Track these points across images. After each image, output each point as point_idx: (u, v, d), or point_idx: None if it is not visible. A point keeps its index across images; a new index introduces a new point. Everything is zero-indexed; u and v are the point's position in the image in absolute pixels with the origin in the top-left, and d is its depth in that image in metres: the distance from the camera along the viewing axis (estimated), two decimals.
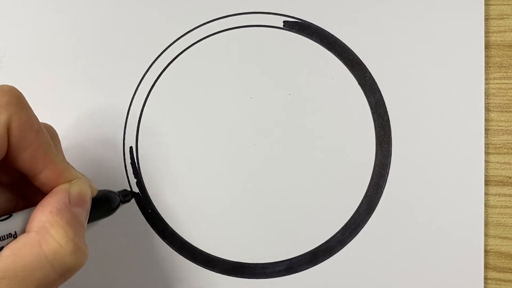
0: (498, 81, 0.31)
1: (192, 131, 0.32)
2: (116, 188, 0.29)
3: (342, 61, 0.31)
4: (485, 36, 0.30)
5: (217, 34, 0.32)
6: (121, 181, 0.32)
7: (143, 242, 0.31)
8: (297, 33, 0.32)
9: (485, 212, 0.30)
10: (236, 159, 0.31)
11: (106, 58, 0.33)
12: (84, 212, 0.24)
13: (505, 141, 0.30)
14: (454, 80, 0.30)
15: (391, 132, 0.31)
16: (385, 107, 0.31)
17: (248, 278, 0.31)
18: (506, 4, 0.31)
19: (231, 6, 0.32)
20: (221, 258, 0.31)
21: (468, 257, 0.30)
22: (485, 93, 0.30)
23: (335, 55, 0.31)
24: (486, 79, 0.30)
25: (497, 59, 0.31)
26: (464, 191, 0.30)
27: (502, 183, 0.30)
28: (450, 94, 0.30)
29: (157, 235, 0.31)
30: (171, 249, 0.31)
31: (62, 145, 0.27)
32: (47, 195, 0.23)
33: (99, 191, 0.26)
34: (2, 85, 0.22)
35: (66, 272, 0.21)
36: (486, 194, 0.30)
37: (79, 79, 0.33)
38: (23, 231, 0.22)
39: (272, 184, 0.31)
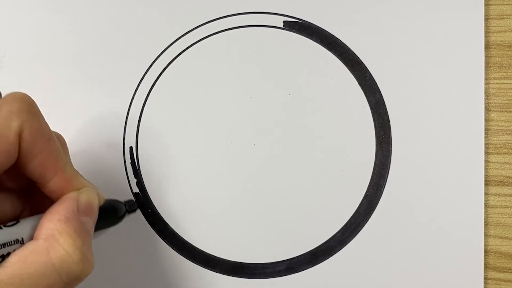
0: (498, 81, 0.31)
1: (192, 131, 0.32)
2: (121, 196, 0.29)
3: (342, 61, 0.31)
4: (485, 36, 0.30)
5: (217, 34, 0.32)
6: (121, 181, 0.32)
7: (143, 242, 0.31)
8: (297, 33, 0.32)
9: (485, 212, 0.30)
10: (236, 159, 0.31)
11: (106, 58, 0.33)
12: (91, 221, 0.24)
13: (505, 141, 0.30)
14: (454, 80, 0.30)
15: (391, 132, 0.31)
16: (385, 107, 0.31)
17: (248, 278, 0.31)
18: (506, 4, 0.31)
19: (231, 6, 0.32)
20: (221, 258, 0.31)
21: (468, 257, 0.30)
22: (485, 93, 0.30)
23: (335, 55, 0.31)
24: (486, 79, 0.30)
25: (497, 59, 0.31)
26: (464, 191, 0.30)
27: (502, 183, 0.30)
28: (450, 94, 0.30)
29: (157, 235, 0.32)
30: (171, 249, 0.31)
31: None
32: (55, 203, 0.23)
33: (106, 200, 0.26)
34: (15, 92, 0.22)
35: (72, 280, 0.21)
36: (486, 194, 0.30)
37: (79, 79, 0.33)
38: (30, 237, 0.22)
39: (272, 184, 0.31)
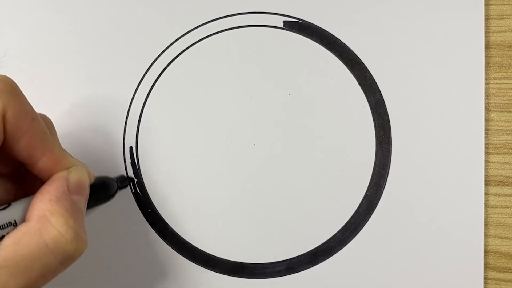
0: (498, 81, 0.31)
1: (192, 131, 0.32)
2: (113, 174, 0.29)
3: (342, 61, 0.31)
4: (485, 36, 0.30)
5: (217, 34, 0.32)
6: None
7: (143, 242, 0.31)
8: (297, 33, 0.32)
9: (485, 212, 0.30)
10: (236, 159, 0.31)
11: (106, 58, 0.33)
12: (83, 199, 0.24)
13: (505, 141, 0.30)
14: (454, 80, 0.30)
15: (391, 132, 0.31)
16: (385, 107, 0.31)
17: (248, 278, 0.31)
18: (506, 4, 0.31)
19: (231, 6, 0.32)
20: (221, 258, 0.31)
21: (468, 257, 0.30)
22: (485, 93, 0.30)
23: (335, 55, 0.31)
24: (486, 79, 0.30)
25: (497, 59, 0.31)
26: (464, 191, 0.30)
27: (502, 183, 0.30)
28: (450, 94, 0.30)
29: (157, 235, 0.32)
30: (171, 249, 0.31)
31: (62, 145, 0.27)
32: (46, 183, 0.23)
33: (97, 178, 0.26)
34: None
35: (66, 259, 0.22)
36: (486, 194, 0.30)
37: (79, 79, 0.33)
38: (23, 219, 0.22)
39: (272, 184, 0.31)
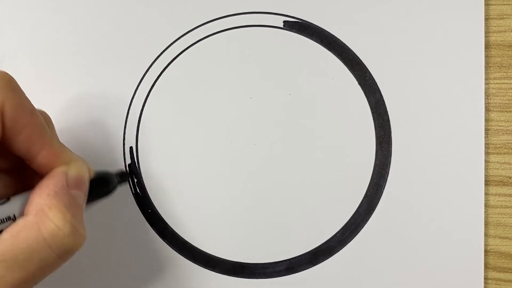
0: (498, 81, 0.31)
1: (192, 131, 0.32)
2: (113, 168, 0.30)
3: (342, 61, 0.31)
4: (485, 36, 0.30)
5: (217, 34, 0.32)
6: None
7: (143, 242, 0.31)
8: (297, 33, 0.32)
9: (485, 212, 0.30)
10: (236, 159, 0.31)
11: (106, 58, 0.33)
12: (82, 194, 0.24)
13: (505, 141, 0.30)
14: (454, 80, 0.30)
15: (391, 132, 0.31)
16: (385, 107, 0.31)
17: (248, 278, 0.31)
18: (506, 4, 0.31)
19: (231, 6, 0.32)
20: (221, 258, 0.31)
21: (468, 257, 0.30)
22: (485, 93, 0.30)
23: (335, 55, 0.31)
24: (486, 79, 0.30)
25: (497, 59, 0.31)
26: (464, 191, 0.30)
27: (502, 183, 0.30)
28: (450, 94, 0.30)
29: (157, 235, 0.32)
30: (171, 249, 0.31)
31: None
32: (44, 178, 0.23)
33: (96, 172, 0.26)
34: None
35: (64, 253, 0.22)
36: (486, 194, 0.30)
37: (79, 79, 0.33)
38: (22, 214, 0.22)
39: (272, 184, 0.31)
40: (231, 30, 0.32)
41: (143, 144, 0.32)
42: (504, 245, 0.30)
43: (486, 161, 0.30)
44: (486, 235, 0.30)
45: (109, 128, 0.32)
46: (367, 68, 0.31)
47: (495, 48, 0.31)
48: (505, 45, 0.31)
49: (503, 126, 0.30)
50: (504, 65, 0.31)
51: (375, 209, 0.30)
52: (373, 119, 0.31)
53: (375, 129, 0.31)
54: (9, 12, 0.33)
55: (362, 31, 0.31)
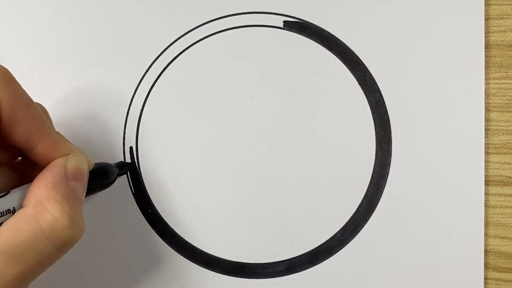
0: (498, 81, 0.31)
1: (192, 131, 0.32)
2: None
3: (342, 61, 0.31)
4: (485, 36, 0.30)
5: (217, 34, 0.32)
6: (121, 181, 0.32)
7: (143, 242, 0.31)
8: (297, 33, 0.32)
9: (485, 212, 0.30)
10: (236, 159, 0.31)
11: (106, 58, 0.33)
12: (81, 186, 0.24)
13: (505, 141, 0.30)
14: (454, 80, 0.30)
15: (391, 132, 0.31)
16: (385, 107, 0.31)
17: (248, 278, 0.31)
18: (506, 4, 0.31)
19: (231, 6, 0.32)
20: (221, 258, 0.31)
21: (468, 257, 0.30)
22: (485, 93, 0.30)
23: (335, 55, 0.31)
24: (486, 79, 0.30)
25: (497, 59, 0.31)
26: (464, 191, 0.30)
27: (502, 183, 0.30)
28: (450, 94, 0.30)
29: (157, 235, 0.31)
30: (171, 249, 0.31)
31: None
32: (43, 170, 0.23)
33: (96, 164, 0.26)
34: None
35: (63, 245, 0.22)
36: (486, 194, 0.30)
37: (79, 79, 0.33)
38: (21, 206, 0.22)
39: (272, 184, 0.31)
40: (231, 30, 0.32)
41: (143, 144, 0.32)
42: (504, 245, 0.30)
43: (486, 161, 0.30)
44: (486, 235, 0.30)
45: (109, 128, 0.32)
46: (367, 68, 0.31)
47: (495, 48, 0.31)
48: (505, 45, 0.31)
49: (503, 126, 0.30)
50: (504, 65, 0.31)
51: (375, 209, 0.30)
52: (373, 119, 0.31)
53: (375, 129, 0.31)
54: (9, 12, 0.33)
55: (362, 31, 0.31)
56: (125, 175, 0.32)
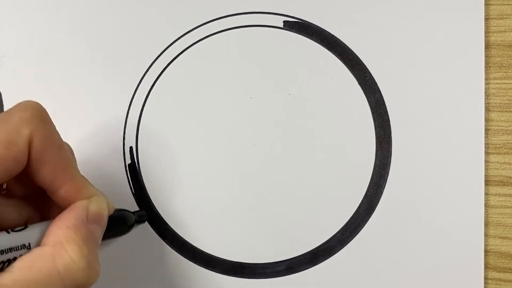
0: (498, 81, 0.31)
1: (192, 131, 0.32)
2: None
3: (342, 61, 0.31)
4: (485, 36, 0.30)
5: (217, 34, 0.32)
6: (122, 181, 0.32)
7: (143, 242, 0.31)
8: (297, 33, 0.32)
9: (485, 212, 0.30)
10: (236, 159, 0.31)
11: (106, 58, 0.33)
12: (100, 229, 0.24)
13: (505, 141, 0.30)
14: (454, 80, 0.30)
15: (391, 132, 0.31)
16: (385, 107, 0.31)
17: (248, 278, 0.31)
18: (506, 4, 0.31)
19: (231, 6, 0.32)
20: (221, 258, 0.31)
21: (468, 257, 0.30)
22: (485, 93, 0.30)
23: (335, 55, 0.31)
24: (486, 79, 0.30)
25: (497, 59, 0.31)
26: (464, 191, 0.30)
27: (502, 183, 0.30)
28: (450, 94, 0.30)
29: (157, 235, 0.31)
30: (171, 249, 0.31)
31: None
32: (65, 210, 0.23)
33: (115, 210, 0.26)
34: (27, 101, 0.22)
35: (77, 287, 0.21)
36: (486, 194, 0.30)
37: (79, 79, 0.33)
38: (37, 243, 0.22)
39: (272, 184, 0.31)
40: (231, 30, 0.32)
41: (143, 144, 0.32)
42: (504, 245, 0.30)
43: (486, 161, 0.30)
44: (486, 235, 0.30)
45: (109, 128, 0.32)
46: (367, 68, 0.31)
47: (495, 48, 0.31)
48: (505, 45, 0.31)
49: (503, 126, 0.30)
50: (504, 65, 0.31)
51: (375, 209, 0.30)
52: (373, 119, 0.31)
53: (375, 129, 0.31)
54: (9, 12, 0.33)
55: (362, 31, 0.31)
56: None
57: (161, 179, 0.32)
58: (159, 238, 0.31)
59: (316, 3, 0.32)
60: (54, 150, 0.23)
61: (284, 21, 0.32)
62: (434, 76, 0.30)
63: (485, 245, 0.30)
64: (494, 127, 0.30)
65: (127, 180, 0.32)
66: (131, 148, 0.32)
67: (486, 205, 0.30)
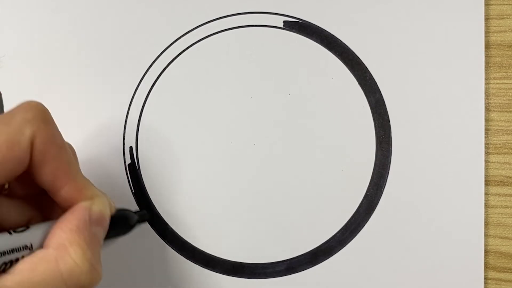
0: (498, 81, 0.31)
1: (192, 131, 0.32)
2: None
3: (342, 61, 0.31)
4: (485, 36, 0.30)
5: (217, 34, 0.32)
6: (121, 181, 0.32)
7: (143, 242, 0.31)
8: (297, 33, 0.32)
9: (485, 212, 0.30)
10: (236, 159, 0.31)
11: (106, 58, 0.33)
12: (102, 230, 0.24)
13: (505, 141, 0.30)
14: (454, 80, 0.30)
15: (391, 132, 0.31)
16: (385, 107, 0.31)
17: (248, 278, 0.31)
18: (506, 4, 0.31)
19: (231, 6, 0.32)
20: (221, 258, 0.31)
21: (468, 257, 0.30)
22: (485, 93, 0.30)
23: (335, 55, 0.31)
24: (486, 79, 0.30)
25: (497, 59, 0.31)
26: (464, 191, 0.30)
27: (502, 183, 0.30)
28: (450, 94, 0.30)
29: (157, 235, 0.31)
30: (171, 249, 0.31)
31: None
32: (68, 212, 0.23)
33: (117, 210, 0.26)
34: (30, 101, 0.22)
35: None
36: (486, 194, 0.30)
37: (79, 79, 0.33)
38: (40, 244, 0.22)
39: (272, 184, 0.31)
40: (231, 30, 0.32)
41: (143, 144, 0.32)
42: (504, 245, 0.30)
43: (486, 161, 0.30)
44: (486, 235, 0.30)
45: (109, 128, 0.32)
46: (367, 68, 0.31)
47: (495, 48, 0.31)
48: (505, 45, 0.31)
49: (503, 126, 0.30)
50: (504, 65, 0.31)
51: (375, 209, 0.30)
52: (373, 119, 0.31)
53: (375, 129, 0.31)
54: (9, 12, 0.33)
55: (362, 31, 0.31)
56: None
57: (161, 179, 0.32)
58: (159, 238, 0.31)
59: (316, 3, 0.32)
60: (56, 150, 0.22)
61: (284, 21, 0.32)
62: (434, 76, 0.30)
63: (485, 245, 0.30)
64: (494, 127, 0.31)
65: (127, 180, 0.32)
66: (131, 148, 0.32)
67: (486, 205, 0.30)
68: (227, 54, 0.32)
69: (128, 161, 0.32)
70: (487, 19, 0.31)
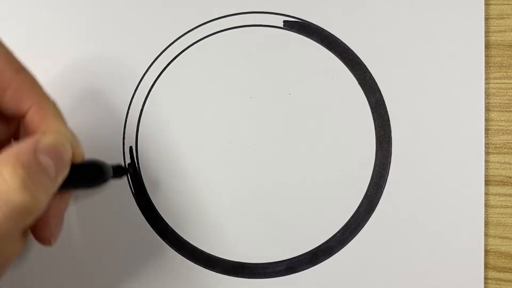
0: (498, 81, 0.31)
1: (192, 131, 0.32)
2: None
3: (342, 61, 0.31)
4: (485, 36, 0.30)
5: (217, 34, 0.32)
6: (121, 181, 0.32)
7: (143, 242, 0.31)
8: (297, 33, 0.32)
9: (485, 212, 0.30)
10: (236, 159, 0.31)
11: (106, 57, 0.33)
12: (52, 163, 0.22)
13: (505, 141, 0.30)
14: (454, 80, 0.30)
15: (391, 132, 0.31)
16: (385, 107, 0.31)
17: (248, 278, 0.31)
18: (506, 4, 0.31)
19: (231, 6, 0.32)
20: (221, 258, 0.31)
21: (468, 257, 0.30)
22: (485, 93, 0.30)
23: (335, 55, 0.31)
24: (486, 79, 0.30)
25: (497, 59, 0.31)
26: (464, 191, 0.30)
27: (502, 183, 0.30)
28: (450, 94, 0.30)
29: (157, 235, 0.31)
30: (171, 249, 0.31)
31: None
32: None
33: (90, 159, 0.25)
34: None
35: (12, 212, 0.20)
36: (486, 194, 0.30)
37: (79, 79, 0.33)
38: None
39: (272, 184, 0.31)
40: (231, 30, 0.32)
41: (143, 144, 0.32)
42: (504, 245, 0.30)
43: (486, 161, 0.30)
44: (486, 235, 0.30)
45: (109, 128, 0.32)
46: (367, 68, 0.31)
47: (495, 48, 0.31)
48: (505, 45, 0.31)
49: (503, 126, 0.30)
50: (504, 65, 0.31)
51: (375, 209, 0.30)
52: (373, 119, 0.31)
53: (375, 129, 0.31)
54: (9, 12, 0.33)
55: (362, 31, 0.31)
56: (126, 176, 0.31)
57: (161, 179, 0.32)
58: (159, 238, 0.31)
59: (316, 3, 0.32)
60: (11, 73, 0.21)
61: (284, 21, 0.32)
62: (434, 76, 0.30)
63: (485, 245, 0.30)
64: (494, 127, 0.31)
65: (127, 180, 0.32)
66: (131, 148, 0.32)
67: (486, 205, 0.30)
68: (227, 54, 0.32)
69: (128, 161, 0.32)
70: (487, 19, 0.31)
